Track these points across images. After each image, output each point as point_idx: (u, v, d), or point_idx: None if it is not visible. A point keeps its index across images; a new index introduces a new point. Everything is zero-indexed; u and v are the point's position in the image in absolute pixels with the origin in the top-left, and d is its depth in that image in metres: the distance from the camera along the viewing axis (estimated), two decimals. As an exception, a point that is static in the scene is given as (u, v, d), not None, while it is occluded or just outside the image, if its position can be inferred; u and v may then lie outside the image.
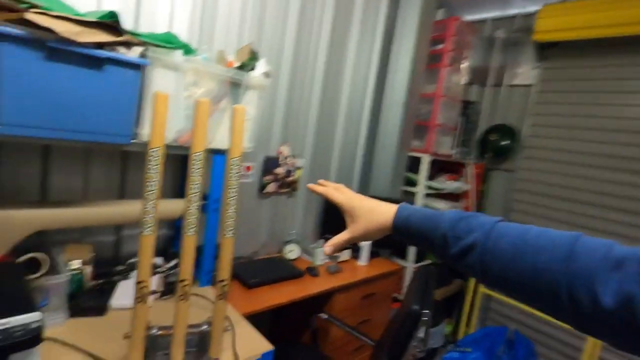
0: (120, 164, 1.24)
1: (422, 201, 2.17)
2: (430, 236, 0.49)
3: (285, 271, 1.57)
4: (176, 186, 1.37)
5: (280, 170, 1.72)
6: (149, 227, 0.75)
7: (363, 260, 1.87)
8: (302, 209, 1.91)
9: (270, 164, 1.68)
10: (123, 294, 1.05)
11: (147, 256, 0.77)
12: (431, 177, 2.26)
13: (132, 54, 0.86)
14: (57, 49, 0.73)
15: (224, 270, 0.83)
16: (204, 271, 1.24)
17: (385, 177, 2.13)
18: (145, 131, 0.98)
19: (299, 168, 1.80)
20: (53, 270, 0.96)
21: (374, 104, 2.13)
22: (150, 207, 0.74)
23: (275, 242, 1.82)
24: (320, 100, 1.83)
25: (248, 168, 1.62)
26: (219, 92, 1.09)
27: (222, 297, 0.84)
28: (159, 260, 1.29)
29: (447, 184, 2.34)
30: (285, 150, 1.73)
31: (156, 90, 0.72)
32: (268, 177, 1.68)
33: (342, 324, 1.45)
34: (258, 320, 1.21)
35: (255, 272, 1.47)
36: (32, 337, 0.55)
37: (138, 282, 0.76)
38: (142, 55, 0.89)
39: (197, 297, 1.15)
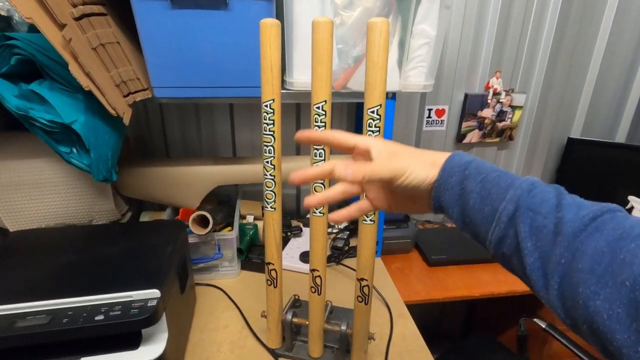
0: (296, 118, 1.17)
1: None
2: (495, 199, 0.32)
3: (483, 250, 1.17)
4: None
5: (487, 113, 1.25)
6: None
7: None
8: (521, 165, 1.38)
9: (473, 104, 1.23)
10: (288, 254, 1.01)
11: (274, 234, 0.63)
12: None
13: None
14: (177, -8, 0.64)
15: (364, 266, 0.60)
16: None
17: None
18: (295, 79, 0.82)
19: (517, 107, 1.26)
20: (229, 224, 1.02)
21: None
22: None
23: (476, 208, 1.41)
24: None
25: (440, 112, 1.25)
26: (382, 9, 0.78)
27: (362, 300, 0.62)
28: (331, 219, 1.20)
29: None
30: (497, 84, 1.22)
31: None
32: (469, 123, 1.25)
33: (570, 342, 0.97)
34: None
35: (443, 245, 1.17)
36: (147, 317, 0.51)
37: (267, 264, 0.66)
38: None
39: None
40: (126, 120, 0.67)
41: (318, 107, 0.53)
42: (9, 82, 0.63)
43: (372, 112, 0.50)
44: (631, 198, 1.17)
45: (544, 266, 0.29)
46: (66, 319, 0.50)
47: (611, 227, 0.27)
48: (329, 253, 1.05)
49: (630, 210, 1.17)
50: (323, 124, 0.54)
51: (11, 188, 0.82)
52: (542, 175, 1.41)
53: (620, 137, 1.39)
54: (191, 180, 0.98)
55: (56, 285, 0.56)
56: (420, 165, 0.35)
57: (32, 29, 0.66)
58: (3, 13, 0.64)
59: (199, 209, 1.02)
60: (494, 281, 1.04)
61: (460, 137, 1.27)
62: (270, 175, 0.59)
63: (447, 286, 1.03)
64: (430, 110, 1.24)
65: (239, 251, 0.95)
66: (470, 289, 1.02)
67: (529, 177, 0.33)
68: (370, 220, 0.58)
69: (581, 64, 1.27)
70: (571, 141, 1.34)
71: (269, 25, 0.51)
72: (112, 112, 0.64)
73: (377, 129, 0.51)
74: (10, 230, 0.85)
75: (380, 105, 0.50)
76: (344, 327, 0.66)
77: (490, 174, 0.33)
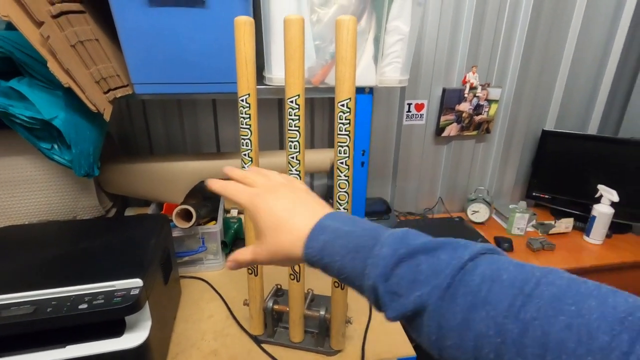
0: (278, 113, 1.19)
1: None
2: (356, 284, 0.31)
3: (464, 238, 1.21)
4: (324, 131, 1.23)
5: (464, 107, 1.29)
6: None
7: (595, 236, 1.25)
8: (498, 157, 1.42)
9: (451, 98, 1.27)
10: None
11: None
12: None
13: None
14: (154, -10, 0.65)
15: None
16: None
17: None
18: (274, 75, 0.84)
19: (494, 101, 1.30)
20: (214, 218, 1.04)
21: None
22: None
23: (456, 199, 1.46)
24: (536, -7, 1.19)
25: (419, 106, 1.28)
26: (357, 7, 0.81)
27: (338, 286, 0.65)
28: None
29: None
30: (473, 78, 1.26)
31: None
32: (447, 117, 1.29)
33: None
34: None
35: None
36: (129, 305, 0.53)
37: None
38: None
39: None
40: (107, 116, 0.69)
41: (292, 101, 0.56)
42: (-13, 79, 0.64)
43: (342, 105, 0.53)
44: (600, 187, 1.23)
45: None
46: (50, 308, 0.52)
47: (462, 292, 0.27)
48: (312, 245, 1.07)
49: (599, 198, 1.23)
50: (297, 117, 0.57)
51: (-8, 186, 0.83)
52: (518, 167, 1.46)
53: (592, 129, 1.45)
54: (175, 176, 0.99)
55: (40, 277, 0.57)
56: (282, 261, 0.36)
57: (10, 26, 0.67)
58: (-20, 11, 0.64)
59: (183, 204, 1.04)
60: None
61: (439, 130, 1.31)
62: (248, 168, 0.62)
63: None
64: (410, 104, 1.28)
65: (223, 244, 0.97)
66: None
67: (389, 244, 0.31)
68: (344, 208, 0.61)
69: (554, 59, 1.32)
70: (545, 133, 1.39)
71: (243, 22, 0.53)
72: (93, 108, 0.66)
73: (348, 121, 0.54)
74: (-7, 227, 0.85)
75: (350, 98, 0.53)
76: (322, 312, 0.69)
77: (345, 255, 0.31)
